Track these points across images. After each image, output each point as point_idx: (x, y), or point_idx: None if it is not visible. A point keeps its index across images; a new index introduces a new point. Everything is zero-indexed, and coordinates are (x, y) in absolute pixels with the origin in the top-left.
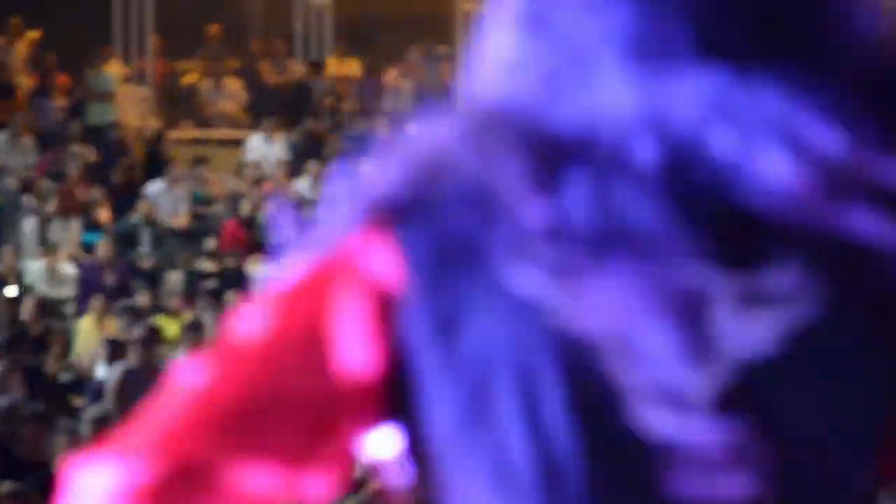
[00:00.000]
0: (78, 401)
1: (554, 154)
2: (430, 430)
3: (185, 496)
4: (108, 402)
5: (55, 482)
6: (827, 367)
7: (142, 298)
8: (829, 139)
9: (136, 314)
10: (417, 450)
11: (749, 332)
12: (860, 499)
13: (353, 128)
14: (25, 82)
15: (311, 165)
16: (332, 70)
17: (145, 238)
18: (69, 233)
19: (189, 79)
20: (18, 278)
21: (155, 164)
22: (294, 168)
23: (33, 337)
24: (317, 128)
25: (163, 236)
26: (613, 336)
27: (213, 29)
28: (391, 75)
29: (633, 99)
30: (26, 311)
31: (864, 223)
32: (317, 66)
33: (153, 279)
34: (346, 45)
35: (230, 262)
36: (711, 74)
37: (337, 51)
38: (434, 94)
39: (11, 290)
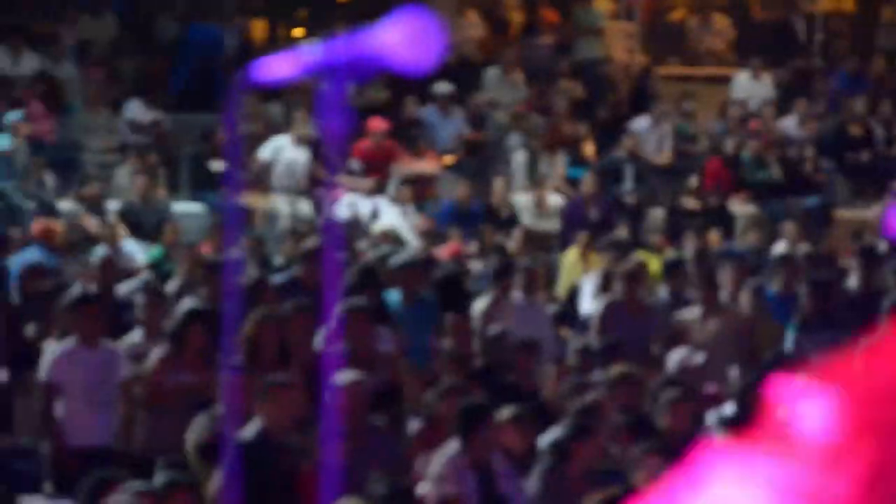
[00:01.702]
0: (564, 332)
1: None
2: None
3: None
4: (592, 334)
5: (548, 410)
6: None
7: (623, 233)
8: None
9: (619, 249)
10: None
11: None
12: None
13: (844, 66)
14: (517, 18)
15: (799, 104)
16: (824, 5)
17: (629, 174)
18: (556, 167)
19: (677, 14)
20: (511, 210)
21: (641, 100)
22: (781, 107)
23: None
24: (806, 66)
25: (646, 172)
26: None
27: None
28: (888, 11)
29: None
30: (515, 242)
31: None
32: (794, 4)
33: (636, 215)
34: None
35: (712, 201)
36: None
37: None
38: None
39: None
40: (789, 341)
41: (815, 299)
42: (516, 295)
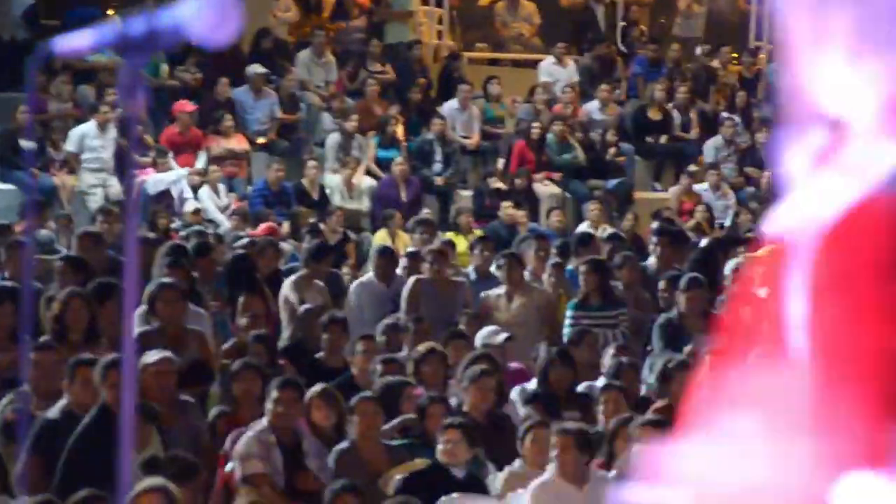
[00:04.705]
0: None
1: None
2: None
3: None
4: (401, 312)
5: (354, 386)
6: None
7: (432, 214)
8: None
9: (428, 229)
10: None
11: None
12: None
13: (643, 52)
14: (328, 1)
15: (601, 89)
16: None
17: (438, 155)
18: (366, 148)
19: (485, 0)
20: (321, 191)
21: (449, 84)
22: (584, 91)
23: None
24: (607, 52)
25: (455, 154)
26: None
27: None
28: (684, 0)
29: None
30: (332, 223)
31: None
32: None
33: (445, 196)
34: None
35: (518, 182)
36: None
37: None
38: (726, 19)
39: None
40: (567, 319)
41: (591, 278)
42: (370, 275)
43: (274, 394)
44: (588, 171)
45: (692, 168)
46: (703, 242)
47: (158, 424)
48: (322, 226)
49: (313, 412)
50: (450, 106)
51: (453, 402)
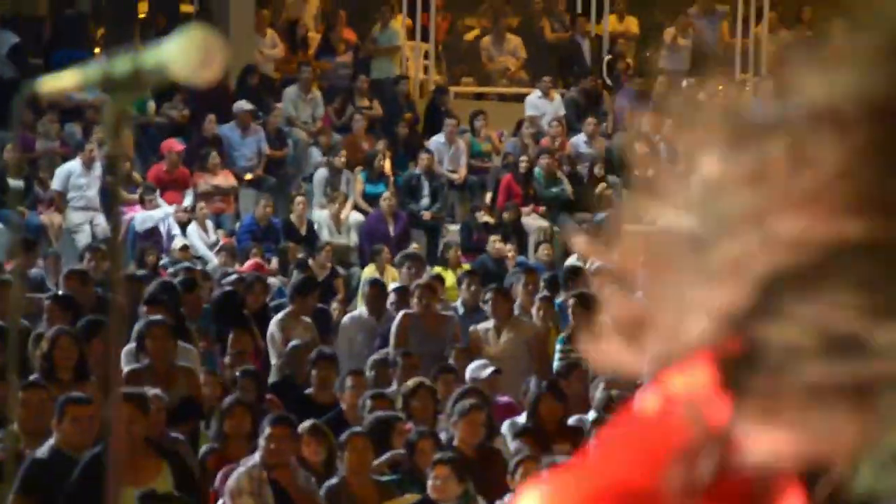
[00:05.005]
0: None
1: None
2: None
3: None
4: (389, 346)
5: (344, 421)
6: None
7: (420, 248)
8: None
9: (416, 264)
10: None
11: None
12: None
13: (630, 85)
14: (315, 37)
15: (587, 122)
16: (610, 28)
17: (426, 190)
18: (354, 183)
19: (471, 34)
20: (309, 226)
21: (436, 118)
22: (571, 124)
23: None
24: (593, 85)
25: (442, 188)
26: None
27: None
28: (669, 33)
29: None
30: (322, 259)
31: None
32: (573, 24)
33: (433, 230)
34: (625, 2)
35: (507, 216)
36: None
37: (616, 8)
38: (712, 53)
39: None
40: (557, 353)
41: (580, 311)
42: (361, 310)
43: (267, 430)
44: (576, 205)
45: None
46: None
47: (173, 460)
48: (311, 261)
49: (303, 448)
50: (437, 140)
51: (443, 436)
